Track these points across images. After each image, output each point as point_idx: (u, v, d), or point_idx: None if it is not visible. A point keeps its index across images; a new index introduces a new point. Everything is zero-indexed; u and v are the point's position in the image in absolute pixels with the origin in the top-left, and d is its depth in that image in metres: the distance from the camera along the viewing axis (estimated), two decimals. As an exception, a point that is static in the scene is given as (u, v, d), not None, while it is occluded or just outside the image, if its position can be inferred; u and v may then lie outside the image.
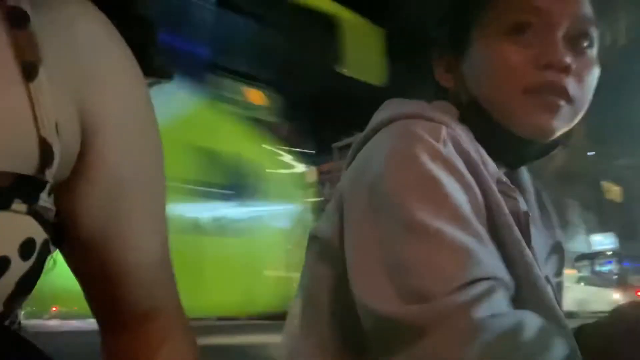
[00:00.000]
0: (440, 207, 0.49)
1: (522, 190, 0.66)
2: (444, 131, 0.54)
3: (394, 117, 0.58)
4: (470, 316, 0.44)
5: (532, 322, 0.45)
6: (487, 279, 0.46)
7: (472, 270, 0.46)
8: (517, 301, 0.51)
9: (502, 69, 0.59)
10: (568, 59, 0.57)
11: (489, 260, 0.48)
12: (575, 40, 0.59)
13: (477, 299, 0.45)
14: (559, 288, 0.67)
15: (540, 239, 0.63)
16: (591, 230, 24.53)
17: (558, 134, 0.60)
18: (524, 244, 0.54)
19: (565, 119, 0.59)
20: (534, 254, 0.55)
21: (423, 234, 0.48)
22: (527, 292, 0.52)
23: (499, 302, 0.46)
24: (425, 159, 0.51)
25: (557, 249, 0.67)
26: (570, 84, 0.58)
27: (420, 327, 0.44)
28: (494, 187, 0.54)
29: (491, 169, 0.56)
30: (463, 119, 0.61)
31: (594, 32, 0.60)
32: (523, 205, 0.57)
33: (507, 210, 0.54)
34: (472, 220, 0.50)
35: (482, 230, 0.50)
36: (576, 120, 0.61)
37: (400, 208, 0.50)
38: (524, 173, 0.70)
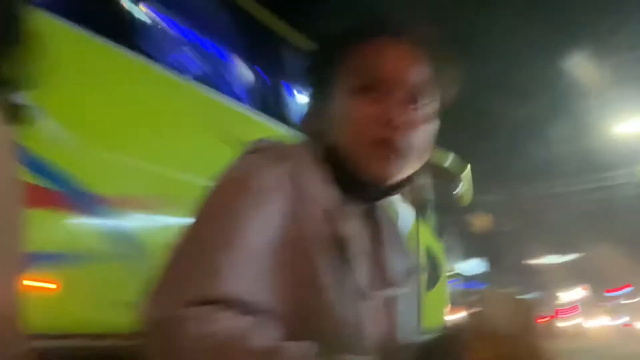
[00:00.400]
0: (223, 232, 0.53)
1: (374, 223, 0.74)
2: (280, 166, 0.61)
3: (251, 149, 0.64)
4: (183, 333, 0.47)
5: (247, 349, 0.48)
6: (225, 301, 0.50)
7: (210, 291, 0.50)
8: (303, 317, 0.57)
9: (350, 123, 0.67)
10: (402, 118, 0.66)
11: (243, 285, 0.52)
12: (413, 100, 0.68)
13: (197, 318, 0.48)
14: (410, 304, 0.73)
15: (393, 262, 0.72)
16: (466, 256, 26.67)
17: (395, 179, 0.69)
18: (320, 271, 0.59)
19: (398, 167, 0.68)
20: (354, 275, 0.62)
21: (190, 248, 0.54)
22: (314, 311, 0.58)
23: (223, 324, 0.49)
24: (236, 188, 0.57)
25: (411, 271, 0.75)
26: (403, 139, 0.66)
27: (149, 330, 0.50)
28: (319, 218, 0.61)
29: (323, 202, 0.62)
30: (326, 159, 0.68)
31: (431, 93, 0.69)
32: (348, 233, 0.62)
33: (323, 238, 0.60)
34: (249, 247, 0.54)
35: (259, 257, 0.54)
36: (413, 167, 0.70)
37: (194, 224, 0.55)
38: (379, 208, 0.77)
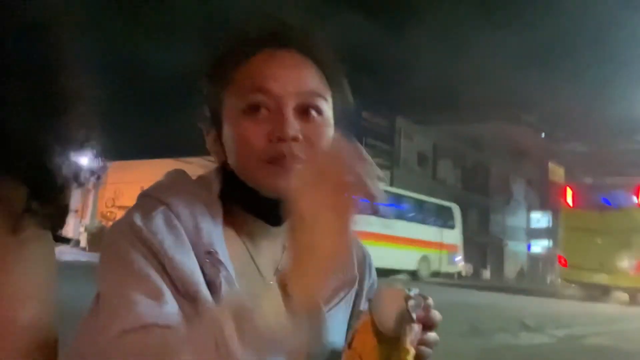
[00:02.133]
0: (120, 273, 0.59)
1: None
2: (157, 211, 0.63)
3: (143, 193, 0.69)
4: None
5: None
6: (144, 327, 0.55)
7: (125, 323, 0.55)
8: None
9: (242, 144, 0.68)
10: (295, 131, 0.66)
11: (153, 311, 0.56)
12: (305, 112, 0.68)
13: (121, 348, 0.54)
14: (340, 320, 0.75)
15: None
16: (531, 207, 28.45)
17: None
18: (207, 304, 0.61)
19: None
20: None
21: (102, 291, 0.60)
22: None
23: (147, 347, 0.53)
24: (121, 235, 0.62)
25: (343, 287, 0.75)
26: (302, 150, 0.67)
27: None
28: (201, 255, 0.63)
29: (205, 241, 0.64)
30: (231, 185, 0.70)
31: (323, 102, 0.70)
32: (224, 274, 0.64)
33: (206, 275, 0.63)
34: (148, 281, 0.58)
35: (159, 289, 0.58)
36: None
37: (99, 271, 0.62)
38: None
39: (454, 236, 15.50)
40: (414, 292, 0.60)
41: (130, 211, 0.65)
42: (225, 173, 0.72)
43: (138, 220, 0.62)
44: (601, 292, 11.30)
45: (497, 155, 26.65)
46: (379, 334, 0.61)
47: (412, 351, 0.59)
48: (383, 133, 19.63)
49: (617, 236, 10.99)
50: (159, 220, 0.63)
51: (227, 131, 0.70)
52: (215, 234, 0.67)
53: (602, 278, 11.04)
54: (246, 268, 0.70)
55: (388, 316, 0.60)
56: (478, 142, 26.12)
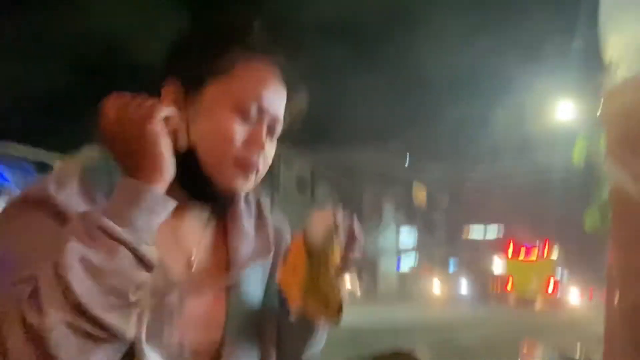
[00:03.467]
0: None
1: (233, 218, 0.82)
2: (70, 179, 0.66)
3: (56, 165, 0.70)
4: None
5: None
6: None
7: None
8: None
9: (225, 140, 0.72)
10: (264, 143, 0.75)
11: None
12: (270, 131, 0.77)
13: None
14: (256, 284, 0.81)
15: (241, 249, 0.79)
16: (399, 225, 30.52)
17: (246, 191, 0.79)
18: None
19: (253, 184, 0.78)
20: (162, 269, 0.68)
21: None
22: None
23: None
24: (31, 204, 0.63)
25: (261, 252, 0.81)
26: (261, 162, 0.76)
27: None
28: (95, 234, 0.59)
29: (92, 217, 0.60)
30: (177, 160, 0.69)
31: (280, 128, 0.79)
32: (144, 249, 0.62)
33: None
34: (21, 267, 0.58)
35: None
36: (258, 180, 0.79)
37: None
38: (236, 203, 0.83)
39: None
40: (339, 213, 0.69)
41: (44, 179, 0.66)
42: None
43: (51, 189, 0.65)
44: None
45: (368, 180, 28.45)
46: (309, 249, 0.69)
47: (337, 261, 0.68)
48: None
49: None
50: (73, 188, 0.66)
51: (208, 113, 0.73)
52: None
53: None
54: (163, 237, 0.70)
55: (317, 233, 0.68)
56: (351, 168, 27.73)
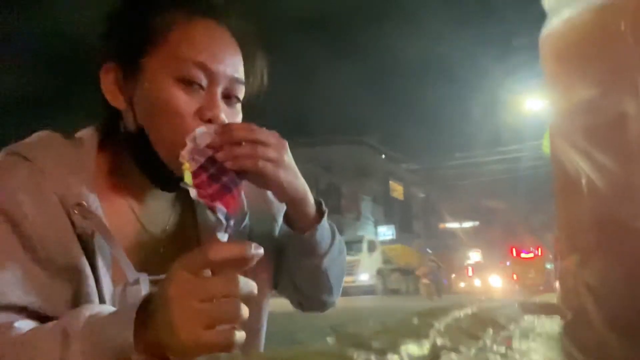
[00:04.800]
0: None
1: (187, 204, 0.74)
2: (19, 168, 0.62)
3: (5, 150, 0.64)
4: None
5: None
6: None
7: None
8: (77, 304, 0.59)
9: (171, 114, 0.64)
10: (223, 115, 0.65)
11: (9, 290, 0.56)
12: (229, 98, 0.68)
13: None
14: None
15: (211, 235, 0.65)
16: (378, 222, 30.91)
17: None
18: (80, 261, 0.61)
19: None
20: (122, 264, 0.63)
21: None
22: (81, 299, 0.60)
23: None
24: None
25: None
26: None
27: None
28: (70, 208, 0.60)
29: (74, 192, 0.62)
30: (126, 139, 0.67)
31: (242, 91, 0.69)
32: (95, 223, 0.62)
33: (76, 228, 0.61)
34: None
35: (12, 264, 0.57)
36: None
37: None
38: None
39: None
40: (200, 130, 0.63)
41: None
42: (116, 127, 0.69)
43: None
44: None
45: (345, 176, 28.54)
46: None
47: (188, 165, 0.62)
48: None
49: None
50: (20, 177, 0.61)
51: (151, 89, 0.66)
52: (86, 186, 0.64)
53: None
54: (127, 225, 0.69)
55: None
56: (328, 164, 27.76)
